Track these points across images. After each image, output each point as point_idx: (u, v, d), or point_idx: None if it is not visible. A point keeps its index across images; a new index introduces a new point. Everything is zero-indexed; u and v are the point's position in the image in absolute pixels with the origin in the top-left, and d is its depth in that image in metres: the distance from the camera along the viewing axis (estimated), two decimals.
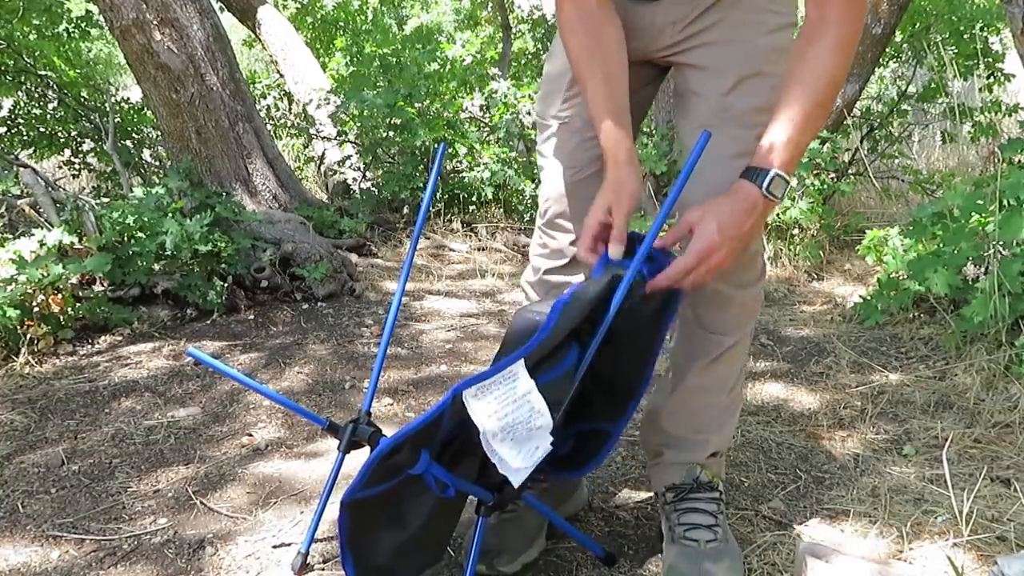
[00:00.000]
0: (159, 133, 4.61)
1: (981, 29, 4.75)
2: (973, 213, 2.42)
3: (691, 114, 1.36)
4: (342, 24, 8.01)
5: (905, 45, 5.27)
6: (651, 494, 1.67)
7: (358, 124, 5.17)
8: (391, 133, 4.97)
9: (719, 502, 1.42)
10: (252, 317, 3.14)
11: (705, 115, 1.33)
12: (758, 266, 1.39)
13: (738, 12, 1.29)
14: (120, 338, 2.88)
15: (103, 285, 2.91)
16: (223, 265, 3.18)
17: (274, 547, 1.51)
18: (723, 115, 1.30)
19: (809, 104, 1.13)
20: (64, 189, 4.06)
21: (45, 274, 2.61)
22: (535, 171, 5.03)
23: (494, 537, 1.40)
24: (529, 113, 5.25)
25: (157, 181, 4.22)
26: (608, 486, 1.73)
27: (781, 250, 3.75)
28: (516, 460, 1.06)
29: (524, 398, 1.06)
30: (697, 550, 1.34)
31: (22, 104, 5.44)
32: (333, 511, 1.58)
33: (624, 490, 1.71)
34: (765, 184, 1.13)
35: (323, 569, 1.43)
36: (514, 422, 1.06)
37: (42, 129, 5.41)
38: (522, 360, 1.07)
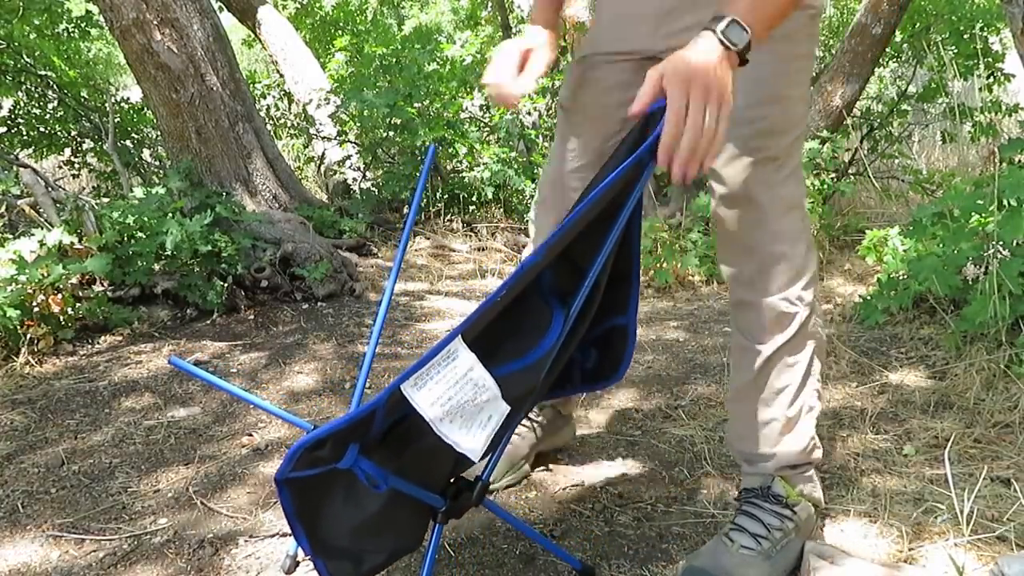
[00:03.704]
0: (159, 133, 4.61)
1: (981, 29, 4.75)
2: (973, 213, 2.42)
3: None
4: (342, 24, 8.01)
5: (905, 45, 5.27)
6: (652, 494, 1.67)
7: (358, 124, 5.18)
8: (391, 133, 4.98)
9: (785, 519, 1.34)
10: (252, 317, 3.14)
11: None
12: (779, 275, 1.31)
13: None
14: (120, 338, 2.88)
15: (103, 285, 2.91)
16: (223, 265, 3.18)
17: (282, 535, 1.51)
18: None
19: None
20: (64, 189, 4.06)
21: (45, 274, 2.61)
22: (535, 171, 5.03)
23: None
24: (529, 113, 5.25)
25: (157, 181, 4.23)
26: (609, 487, 1.73)
27: None
28: (468, 439, 1.04)
29: (466, 376, 1.02)
30: (726, 549, 1.31)
31: (22, 104, 5.45)
32: None
33: (625, 491, 1.71)
34: (720, 28, 1.02)
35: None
36: (459, 403, 1.03)
37: (42, 129, 5.41)
38: (459, 337, 1.01)
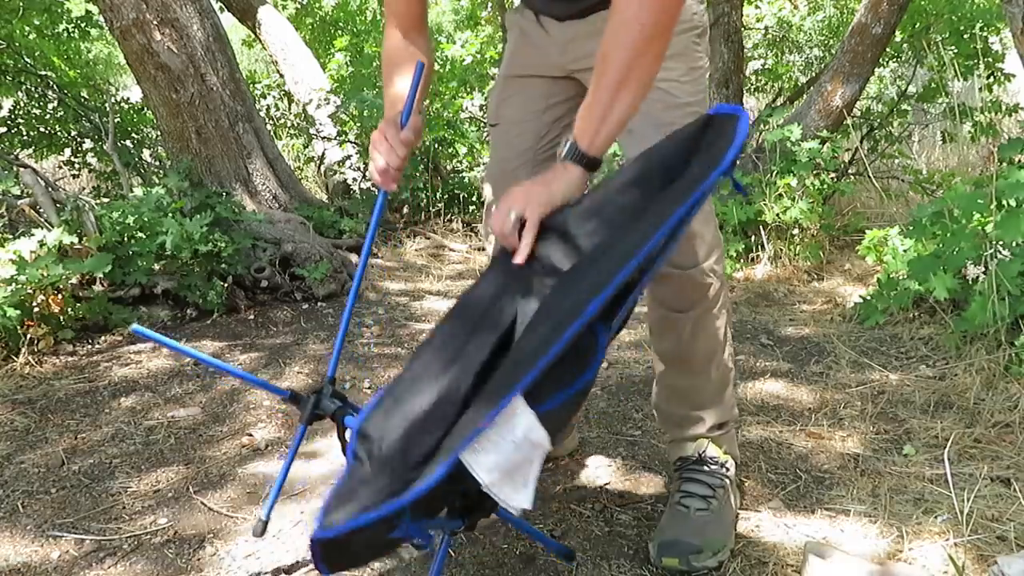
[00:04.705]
0: (159, 133, 4.61)
1: (981, 29, 4.74)
2: (973, 213, 2.42)
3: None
4: (342, 24, 8.01)
5: (905, 45, 5.27)
6: (652, 494, 1.67)
7: (358, 124, 5.17)
8: None
9: (722, 477, 1.50)
10: (252, 317, 3.14)
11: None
12: (696, 250, 1.46)
13: None
14: (120, 338, 2.88)
15: (103, 285, 2.91)
16: (223, 265, 3.18)
17: (272, 536, 1.51)
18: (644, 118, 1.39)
19: (608, 84, 1.20)
20: (64, 189, 4.06)
21: (45, 274, 2.60)
22: None
23: None
24: None
25: (157, 181, 4.22)
26: (609, 487, 1.73)
27: (781, 250, 3.75)
28: (518, 496, 1.00)
29: (525, 439, 0.98)
30: (685, 516, 1.44)
31: (22, 104, 5.44)
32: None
33: (625, 491, 1.71)
34: (564, 152, 1.24)
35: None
36: (515, 465, 0.98)
37: (42, 129, 5.41)
38: (520, 396, 0.96)
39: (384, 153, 1.35)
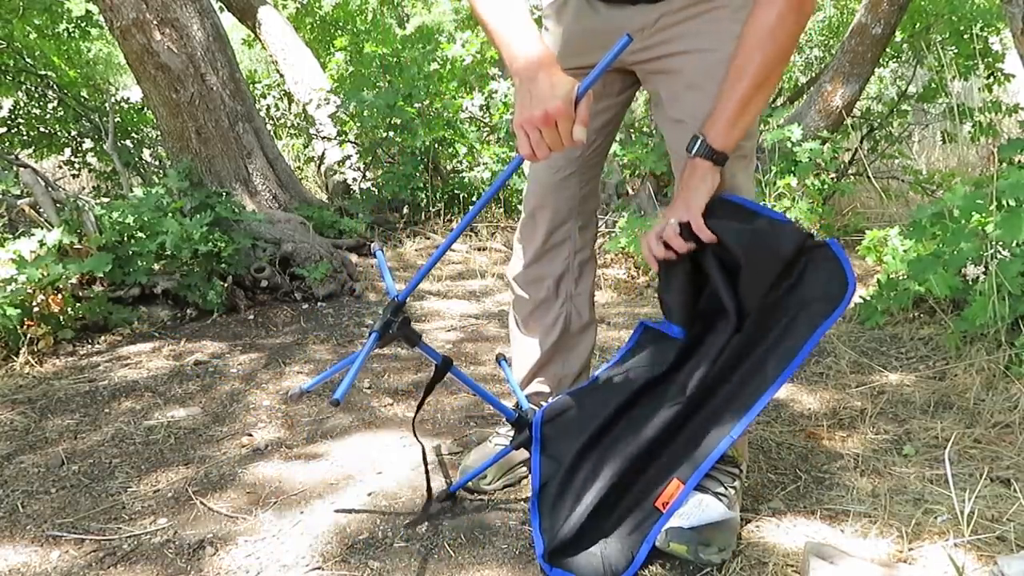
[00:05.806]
0: (159, 133, 4.61)
1: (981, 29, 4.75)
2: (973, 213, 2.42)
3: (672, 133, 1.50)
4: (342, 24, 8.01)
5: (905, 45, 5.27)
6: None
7: (358, 124, 5.18)
8: (391, 133, 4.98)
9: (735, 477, 1.53)
10: (252, 317, 3.14)
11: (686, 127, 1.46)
12: None
13: (701, 22, 1.38)
14: (120, 338, 2.88)
15: (103, 285, 2.91)
16: (223, 265, 3.18)
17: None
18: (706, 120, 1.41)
19: (746, 84, 1.30)
20: (64, 189, 4.06)
21: (45, 274, 2.61)
22: None
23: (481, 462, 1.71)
24: None
25: (157, 181, 4.22)
26: None
27: None
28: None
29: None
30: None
31: (22, 104, 5.45)
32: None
33: None
34: (694, 149, 1.36)
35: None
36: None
37: (42, 129, 5.42)
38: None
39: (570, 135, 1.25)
